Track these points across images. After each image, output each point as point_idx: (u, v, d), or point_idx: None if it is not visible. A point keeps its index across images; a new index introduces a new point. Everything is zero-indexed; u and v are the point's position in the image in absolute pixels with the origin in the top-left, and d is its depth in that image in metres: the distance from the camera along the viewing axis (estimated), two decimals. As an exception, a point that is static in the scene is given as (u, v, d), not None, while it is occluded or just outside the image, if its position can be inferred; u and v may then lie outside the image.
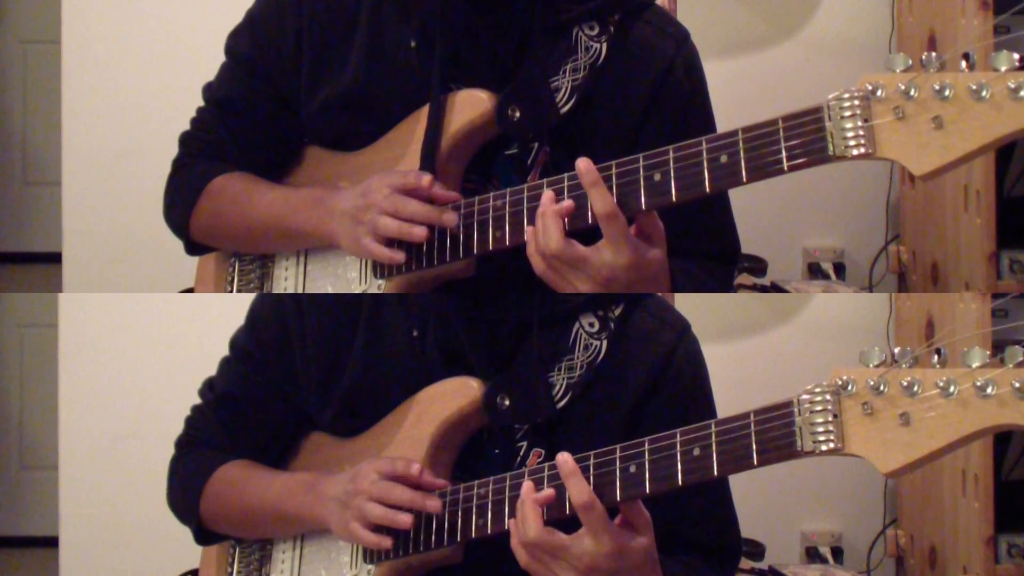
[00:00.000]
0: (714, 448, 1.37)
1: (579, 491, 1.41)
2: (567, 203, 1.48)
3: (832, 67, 3.17)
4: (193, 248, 1.80)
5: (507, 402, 1.57)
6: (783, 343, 3.23)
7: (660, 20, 1.65)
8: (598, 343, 1.59)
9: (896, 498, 3.26)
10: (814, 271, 3.38)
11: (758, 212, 3.30)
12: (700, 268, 1.65)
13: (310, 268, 1.71)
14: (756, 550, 3.15)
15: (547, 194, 1.49)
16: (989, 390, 1.22)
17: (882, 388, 1.27)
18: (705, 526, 1.63)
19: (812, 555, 3.29)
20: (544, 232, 1.47)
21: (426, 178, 1.57)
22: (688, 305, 1.65)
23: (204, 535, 1.79)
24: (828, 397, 1.31)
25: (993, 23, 2.72)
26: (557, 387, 1.58)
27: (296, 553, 1.71)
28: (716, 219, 1.68)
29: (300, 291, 1.72)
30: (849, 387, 1.29)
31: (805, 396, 1.32)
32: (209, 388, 1.81)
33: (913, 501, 3.17)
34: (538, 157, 1.61)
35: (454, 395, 1.60)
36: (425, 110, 1.62)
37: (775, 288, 3.23)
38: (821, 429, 1.30)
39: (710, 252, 1.67)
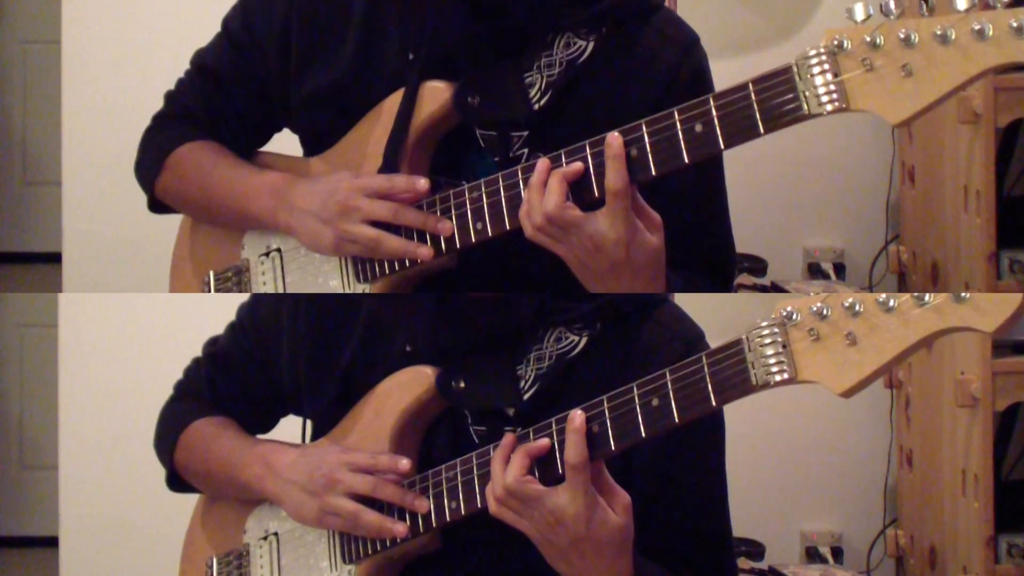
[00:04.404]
0: (672, 396, 1.38)
1: (577, 449, 1.42)
2: (576, 166, 1.47)
3: (832, 67, 3.17)
4: (155, 206, 1.83)
5: (463, 384, 1.57)
6: (783, 343, 3.23)
7: (667, 24, 1.63)
8: (576, 338, 1.58)
9: (896, 498, 3.26)
10: (814, 271, 3.38)
11: (758, 212, 3.31)
12: (696, 276, 1.65)
13: (289, 280, 1.71)
14: (756, 550, 3.15)
15: (545, 161, 1.48)
16: (927, 298, 1.25)
17: (825, 313, 1.30)
18: (703, 245, 1.63)
19: (812, 555, 3.30)
20: (547, 192, 1.47)
21: (422, 182, 1.58)
22: (687, 306, 1.65)
23: (176, 482, 1.82)
24: (775, 330, 1.32)
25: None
26: (525, 380, 1.57)
27: (274, 561, 1.71)
28: (713, 229, 1.67)
29: (278, 301, 1.73)
30: (793, 317, 1.31)
31: (753, 331, 1.34)
32: (212, 343, 1.84)
33: (913, 501, 3.17)
34: (509, 150, 1.60)
35: (409, 385, 1.60)
36: (380, 109, 1.62)
37: (775, 288, 3.23)
38: (773, 361, 1.32)
39: (704, 263, 1.66)
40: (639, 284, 1.50)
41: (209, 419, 1.79)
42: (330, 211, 1.61)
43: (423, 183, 1.58)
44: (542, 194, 1.48)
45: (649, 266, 1.48)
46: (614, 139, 1.45)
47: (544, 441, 1.46)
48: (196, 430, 1.78)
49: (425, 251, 1.58)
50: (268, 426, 1.82)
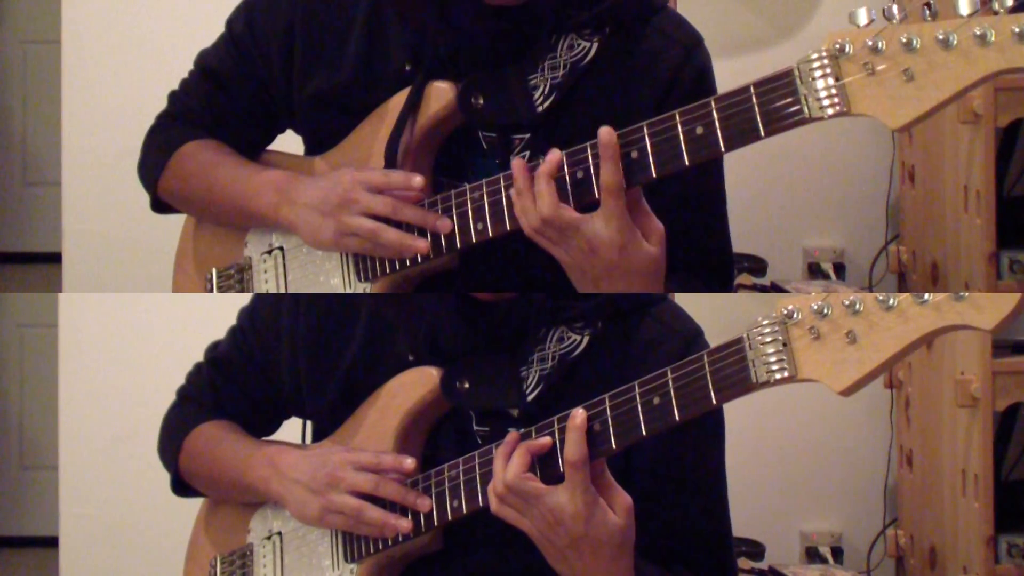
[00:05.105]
0: (673, 395, 1.39)
1: (576, 447, 1.42)
2: (552, 157, 1.47)
3: (832, 67, 3.17)
4: (158, 206, 1.83)
5: (467, 385, 1.58)
6: (783, 343, 3.23)
7: (670, 25, 1.63)
8: (577, 337, 1.58)
9: (896, 498, 3.26)
10: (814, 271, 3.38)
11: (758, 212, 3.31)
12: (694, 280, 1.65)
13: (290, 279, 1.71)
14: (756, 550, 3.15)
15: (520, 161, 1.49)
16: (927, 297, 1.25)
17: (826, 311, 1.30)
18: (701, 247, 1.64)
19: (812, 555, 3.30)
20: (538, 196, 1.47)
21: (417, 179, 1.58)
22: (686, 306, 1.65)
23: (182, 488, 1.83)
24: (776, 328, 1.33)
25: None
26: (528, 381, 1.57)
27: (277, 560, 1.72)
28: (712, 231, 1.67)
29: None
30: (794, 315, 1.32)
31: (754, 330, 1.34)
32: (213, 348, 1.84)
33: (913, 501, 3.17)
34: (511, 152, 1.60)
35: (414, 385, 1.60)
36: (385, 108, 1.62)
37: (775, 288, 3.23)
38: (773, 359, 1.33)
39: (702, 265, 1.66)
40: (635, 289, 1.50)
41: (212, 423, 1.79)
42: (330, 204, 1.61)
43: (419, 180, 1.58)
44: (532, 198, 1.48)
45: (646, 273, 1.48)
46: (607, 136, 1.45)
47: (546, 439, 1.47)
48: (200, 435, 1.79)
49: (423, 244, 1.58)
50: (271, 429, 1.82)
